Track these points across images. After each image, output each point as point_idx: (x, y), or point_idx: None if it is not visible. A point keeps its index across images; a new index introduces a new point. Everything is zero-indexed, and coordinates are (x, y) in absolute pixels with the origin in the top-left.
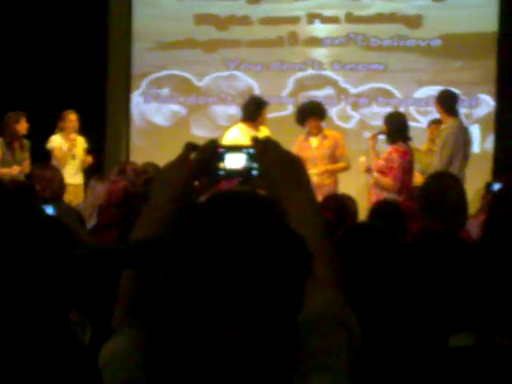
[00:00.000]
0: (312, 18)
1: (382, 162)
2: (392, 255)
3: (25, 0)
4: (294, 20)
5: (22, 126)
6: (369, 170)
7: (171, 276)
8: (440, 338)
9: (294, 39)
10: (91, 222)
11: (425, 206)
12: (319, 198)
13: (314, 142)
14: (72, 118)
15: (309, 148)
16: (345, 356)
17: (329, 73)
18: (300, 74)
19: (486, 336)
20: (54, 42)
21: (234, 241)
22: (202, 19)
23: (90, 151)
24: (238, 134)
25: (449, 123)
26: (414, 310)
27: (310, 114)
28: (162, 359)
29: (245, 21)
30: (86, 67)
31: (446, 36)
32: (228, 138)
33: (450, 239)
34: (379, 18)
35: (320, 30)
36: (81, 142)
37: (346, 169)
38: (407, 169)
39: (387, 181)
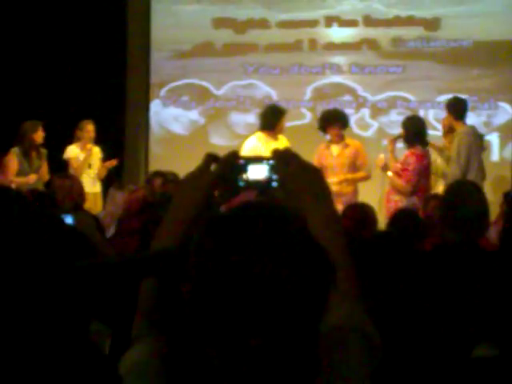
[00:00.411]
0: (330, 21)
1: (398, 165)
2: (411, 264)
3: (46, 10)
4: (313, 23)
5: (39, 136)
6: (385, 168)
7: (197, 285)
8: (463, 348)
9: (312, 43)
10: (111, 231)
11: (445, 215)
12: (338, 206)
13: (335, 150)
14: (89, 128)
15: (330, 156)
16: (365, 367)
17: (347, 81)
18: (318, 82)
19: (508, 346)
20: (74, 51)
21: (258, 251)
22: (220, 23)
23: (109, 159)
24: (256, 142)
25: (461, 130)
26: (436, 320)
27: (332, 121)
28: (182, 368)
29: (263, 24)
30: (105, 76)
31: (465, 44)
32: (246, 147)
33: (470, 248)
34: (397, 23)
35: (338, 33)
36: (96, 152)
37: (366, 178)
38: (424, 172)
39: (400, 182)
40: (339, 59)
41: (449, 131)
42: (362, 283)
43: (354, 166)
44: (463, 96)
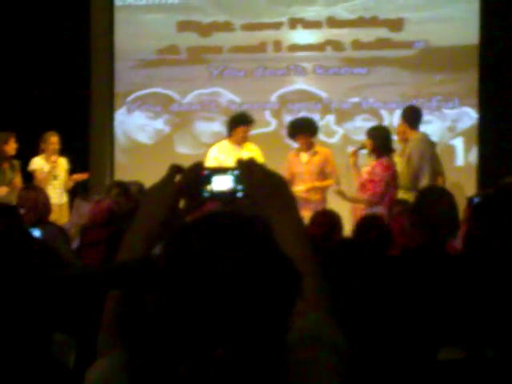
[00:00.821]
0: (295, 23)
1: (364, 176)
2: (378, 270)
3: (11, 20)
4: (277, 25)
5: (11, 147)
6: (340, 194)
7: (161, 295)
8: (429, 351)
9: (276, 45)
10: (76, 242)
11: (415, 220)
12: (307, 213)
13: (304, 157)
14: (53, 139)
15: (299, 163)
16: (335, 378)
17: (312, 86)
18: (283, 89)
19: (474, 349)
20: (37, 61)
21: (222, 261)
22: (184, 27)
23: (74, 171)
24: (217, 153)
25: (413, 137)
26: (402, 323)
27: (300, 130)
28: (149, 381)
29: (227, 27)
30: (68, 86)
31: (428, 49)
32: (209, 157)
33: (435, 252)
34: (360, 24)
35: (302, 35)
36: (63, 163)
37: (330, 186)
38: (390, 182)
39: (362, 197)
40: (304, 61)
41: (403, 139)
42: (330, 290)
43: (322, 174)
44: (427, 100)
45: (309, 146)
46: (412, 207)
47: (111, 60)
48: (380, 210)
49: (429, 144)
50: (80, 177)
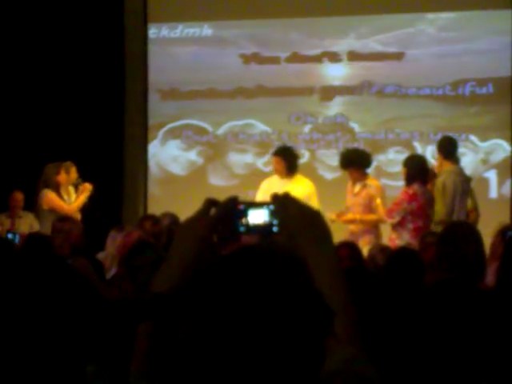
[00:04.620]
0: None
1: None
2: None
3: (47, 51)
4: (312, 59)
5: (62, 177)
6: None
7: (192, 329)
8: None
9: (308, 78)
10: (111, 272)
11: (443, 256)
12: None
13: (356, 189)
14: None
15: (351, 194)
16: None
17: (344, 118)
18: (315, 122)
19: None
20: (71, 94)
21: (256, 295)
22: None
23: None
24: (266, 185)
25: (445, 169)
26: (436, 358)
27: (350, 163)
28: None
29: (260, 60)
30: (103, 118)
31: (461, 82)
32: (261, 188)
33: (468, 287)
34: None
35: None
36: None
37: (377, 221)
38: (417, 212)
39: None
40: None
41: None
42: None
43: (369, 208)
44: (460, 133)
45: (360, 178)
46: (438, 241)
47: (145, 92)
48: (407, 239)
49: (462, 177)
50: (84, 187)
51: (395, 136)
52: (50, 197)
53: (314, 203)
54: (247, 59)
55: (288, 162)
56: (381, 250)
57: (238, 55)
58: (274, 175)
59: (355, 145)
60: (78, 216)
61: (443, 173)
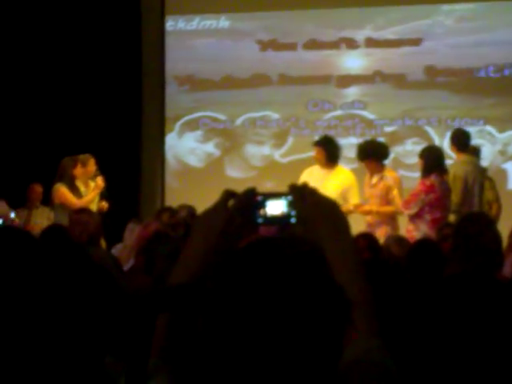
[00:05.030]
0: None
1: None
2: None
3: (64, 47)
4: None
5: (78, 171)
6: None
7: (211, 321)
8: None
9: (327, 78)
10: (129, 264)
11: (459, 248)
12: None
13: (373, 180)
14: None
15: (369, 186)
16: None
17: (361, 111)
18: (332, 113)
19: None
20: (88, 86)
21: (274, 287)
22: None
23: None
24: (307, 175)
25: (457, 160)
26: (450, 353)
27: (367, 155)
28: None
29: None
30: (120, 111)
31: (478, 72)
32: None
33: (486, 278)
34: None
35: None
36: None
37: (393, 213)
38: (433, 202)
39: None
40: (353, 90)
41: None
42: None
43: (385, 199)
44: (478, 123)
45: (377, 170)
46: (454, 232)
47: (162, 84)
48: (425, 230)
49: (473, 167)
50: (102, 206)
51: (413, 123)
52: (61, 191)
53: (354, 195)
54: (264, 46)
55: (328, 152)
56: (396, 240)
57: (255, 41)
58: (315, 165)
59: (372, 132)
60: (94, 208)
61: (455, 163)
